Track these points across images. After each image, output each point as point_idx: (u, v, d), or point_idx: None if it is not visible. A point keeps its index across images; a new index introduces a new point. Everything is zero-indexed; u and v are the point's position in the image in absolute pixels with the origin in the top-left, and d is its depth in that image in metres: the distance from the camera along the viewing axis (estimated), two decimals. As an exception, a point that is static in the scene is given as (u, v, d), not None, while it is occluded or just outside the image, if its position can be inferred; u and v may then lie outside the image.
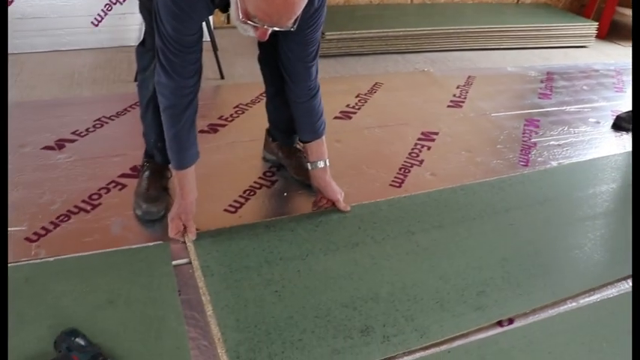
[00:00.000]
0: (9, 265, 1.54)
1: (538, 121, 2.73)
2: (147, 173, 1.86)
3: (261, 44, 1.81)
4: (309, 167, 1.87)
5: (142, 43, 1.71)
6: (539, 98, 3.01)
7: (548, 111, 2.85)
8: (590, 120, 2.81)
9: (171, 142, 1.61)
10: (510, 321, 1.51)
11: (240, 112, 2.57)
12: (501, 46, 3.85)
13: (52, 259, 1.58)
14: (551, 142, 2.51)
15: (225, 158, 2.18)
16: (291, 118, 1.88)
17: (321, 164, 1.84)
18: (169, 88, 1.52)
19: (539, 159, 2.36)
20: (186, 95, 1.54)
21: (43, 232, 1.70)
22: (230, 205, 1.90)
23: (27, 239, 1.66)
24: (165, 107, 1.56)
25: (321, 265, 1.63)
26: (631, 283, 1.63)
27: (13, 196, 1.84)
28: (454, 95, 2.95)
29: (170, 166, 1.70)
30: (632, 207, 1.71)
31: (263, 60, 1.90)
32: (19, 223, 1.72)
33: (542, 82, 3.25)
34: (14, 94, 2.63)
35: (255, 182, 2.04)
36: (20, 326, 1.35)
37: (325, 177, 1.86)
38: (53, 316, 1.38)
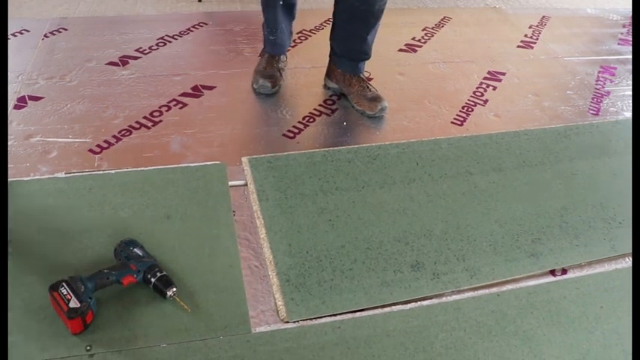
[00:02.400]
0: (74, 174, 1.60)
1: (614, 68, 2.57)
2: (266, 55, 2.11)
3: None
4: None
5: None
6: (619, 44, 2.82)
7: (627, 58, 2.67)
8: (673, 71, 2.63)
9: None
10: (564, 271, 1.48)
11: (303, 38, 2.52)
12: (581, -15, 3.60)
13: (113, 171, 1.62)
14: (627, 92, 2.37)
15: (285, 84, 2.16)
16: (360, 45, 1.90)
17: None
18: None
19: (612, 109, 2.24)
20: None
21: (105, 145, 1.74)
22: (289, 131, 1.90)
23: (91, 151, 1.71)
24: None
25: (377, 198, 1.62)
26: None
27: (78, 108, 1.89)
28: (525, 35, 2.80)
29: None
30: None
31: None
32: (83, 135, 1.77)
33: (624, 26, 3.04)
34: (81, 9, 2.65)
35: (315, 109, 2.02)
36: (83, 233, 1.41)
37: None
38: (113, 227, 1.44)
